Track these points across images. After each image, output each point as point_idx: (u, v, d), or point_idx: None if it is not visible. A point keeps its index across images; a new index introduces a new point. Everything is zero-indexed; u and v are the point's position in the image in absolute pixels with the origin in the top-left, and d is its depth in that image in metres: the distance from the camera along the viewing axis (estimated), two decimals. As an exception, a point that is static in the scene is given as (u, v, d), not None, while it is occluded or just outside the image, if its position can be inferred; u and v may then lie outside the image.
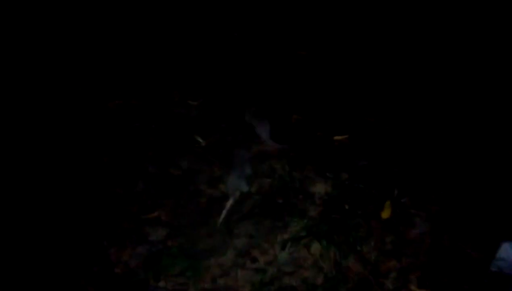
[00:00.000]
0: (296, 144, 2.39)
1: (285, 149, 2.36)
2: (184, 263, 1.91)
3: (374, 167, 2.21)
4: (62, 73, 2.94)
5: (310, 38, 3.28)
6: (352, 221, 1.99)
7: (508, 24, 3.01)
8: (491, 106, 2.58)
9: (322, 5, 3.52)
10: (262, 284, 1.84)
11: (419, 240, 1.97)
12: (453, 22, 3.15)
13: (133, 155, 2.40)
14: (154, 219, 2.11)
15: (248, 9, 3.56)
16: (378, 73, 2.90)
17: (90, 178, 2.28)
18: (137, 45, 3.22)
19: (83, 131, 2.55)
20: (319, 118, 2.59)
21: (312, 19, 3.48)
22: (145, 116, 2.66)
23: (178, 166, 2.33)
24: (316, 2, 3.55)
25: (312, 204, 2.06)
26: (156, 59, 3.12)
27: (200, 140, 2.45)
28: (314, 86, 2.83)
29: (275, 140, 2.40)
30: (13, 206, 2.13)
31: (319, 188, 2.14)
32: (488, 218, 2.03)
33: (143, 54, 3.14)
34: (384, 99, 2.67)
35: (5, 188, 2.19)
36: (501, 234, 1.94)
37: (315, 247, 1.92)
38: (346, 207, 2.00)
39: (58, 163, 2.34)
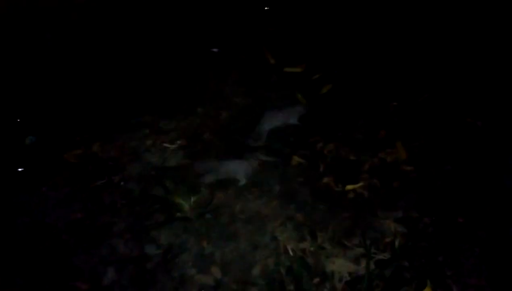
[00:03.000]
0: (300, 200, 1.94)
1: (288, 210, 1.90)
2: None
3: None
4: None
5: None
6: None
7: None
8: None
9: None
10: None
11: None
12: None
13: (97, 234, 1.90)
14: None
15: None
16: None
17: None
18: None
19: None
20: (323, 160, 2.14)
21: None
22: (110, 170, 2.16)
23: (155, 242, 1.84)
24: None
25: (333, 292, 1.62)
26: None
27: (182, 202, 1.96)
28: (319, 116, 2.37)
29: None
30: None
31: (339, 265, 1.69)
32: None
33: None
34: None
35: None
36: None
37: None
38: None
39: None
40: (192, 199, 1.97)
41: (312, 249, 1.76)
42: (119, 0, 2.84)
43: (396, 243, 1.73)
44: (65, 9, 2.66)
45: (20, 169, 2.17)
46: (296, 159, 2.15)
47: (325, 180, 2.03)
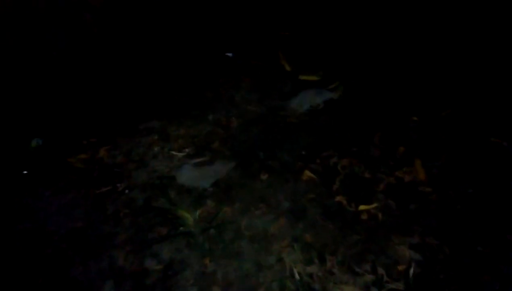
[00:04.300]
0: (309, 219, 1.84)
1: (297, 229, 1.80)
2: None
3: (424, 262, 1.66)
4: None
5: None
6: None
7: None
8: None
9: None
10: None
11: None
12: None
13: (97, 244, 1.83)
14: None
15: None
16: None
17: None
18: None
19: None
20: (336, 176, 2.03)
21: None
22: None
23: (156, 256, 1.77)
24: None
25: (341, 325, 1.52)
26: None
27: (186, 215, 1.88)
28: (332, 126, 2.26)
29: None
30: None
31: (348, 294, 1.59)
32: None
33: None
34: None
35: None
36: None
37: None
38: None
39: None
40: (197, 212, 1.90)
41: (319, 273, 1.66)
42: (132, 3, 2.78)
43: (411, 272, 1.61)
44: (77, 11, 2.61)
45: (24, 172, 2.13)
46: (307, 174, 2.05)
47: (337, 198, 1.93)
